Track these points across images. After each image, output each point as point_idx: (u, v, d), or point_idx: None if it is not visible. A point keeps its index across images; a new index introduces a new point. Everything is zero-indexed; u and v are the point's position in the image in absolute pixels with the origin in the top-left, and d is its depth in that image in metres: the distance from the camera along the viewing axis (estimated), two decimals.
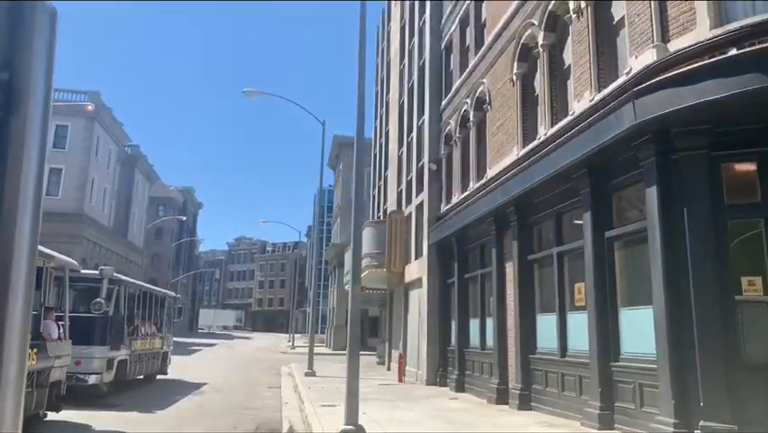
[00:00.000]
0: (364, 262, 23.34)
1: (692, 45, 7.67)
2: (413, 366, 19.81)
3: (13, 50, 0.94)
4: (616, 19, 9.88)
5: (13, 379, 0.89)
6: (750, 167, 7.72)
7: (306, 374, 21.31)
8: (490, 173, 14.42)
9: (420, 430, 9.80)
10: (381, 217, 28.13)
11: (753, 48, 7.01)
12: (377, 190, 31.00)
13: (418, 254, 20.45)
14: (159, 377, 19.18)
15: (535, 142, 11.95)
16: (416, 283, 20.43)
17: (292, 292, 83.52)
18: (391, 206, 25.40)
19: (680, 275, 7.71)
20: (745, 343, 7.39)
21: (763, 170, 7.58)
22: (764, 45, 6.96)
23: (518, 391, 12.05)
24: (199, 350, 39.85)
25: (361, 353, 34.31)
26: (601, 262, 9.51)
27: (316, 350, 42.98)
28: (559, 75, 11.73)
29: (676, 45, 8.02)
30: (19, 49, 0.95)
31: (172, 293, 22.62)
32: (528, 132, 12.82)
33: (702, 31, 7.71)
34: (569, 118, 10.60)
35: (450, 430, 9.78)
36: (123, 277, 15.32)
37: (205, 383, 18.72)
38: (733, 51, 7.21)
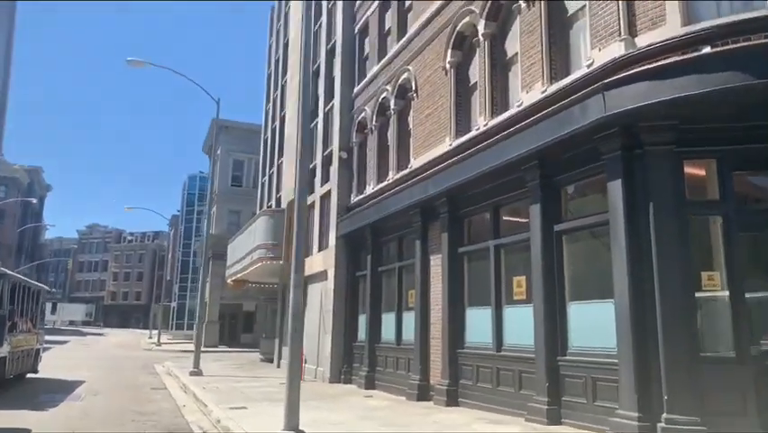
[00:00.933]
0: (257, 254, 22.06)
1: (664, 40, 7.70)
2: (312, 363, 18.91)
3: None
4: (570, 11, 9.83)
5: None
6: (711, 164, 7.91)
7: (192, 374, 19.60)
8: (416, 163, 13.99)
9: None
10: (274, 206, 26.81)
11: (728, 47, 7.14)
12: (267, 178, 29.53)
13: (323, 246, 19.57)
14: (29, 376, 17.03)
15: (473, 133, 11.67)
16: (319, 276, 19.54)
17: (152, 285, 78.00)
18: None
19: (643, 269, 7.72)
20: (704, 337, 7.55)
21: (722, 168, 7.79)
22: (739, 45, 7.12)
23: (445, 388, 11.71)
24: (50, 348, 35.54)
25: (234, 349, 32.55)
26: (549, 255, 9.39)
27: (184, 347, 40.46)
28: (500, 65, 11.54)
29: (644, 40, 8.03)
30: None
31: (46, 287, 19.98)
32: (462, 122, 12.53)
33: (672, 27, 7.76)
34: (515, 109, 10.40)
35: (392, 431, 9.15)
36: (8, 271, 13.56)
37: (80, 383, 16.58)
38: (707, 49, 7.30)
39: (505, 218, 11.11)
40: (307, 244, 21.24)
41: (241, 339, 47.39)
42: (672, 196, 7.70)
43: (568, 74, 9.62)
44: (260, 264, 22.18)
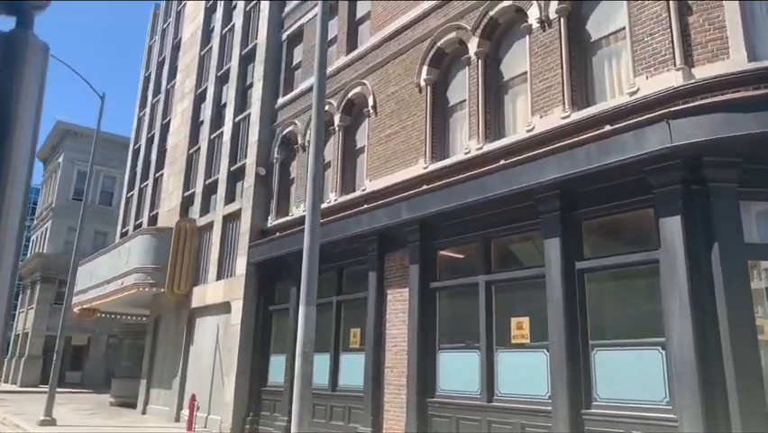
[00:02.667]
0: (133, 278, 18.88)
1: (733, 73, 7.34)
2: (203, 412, 16.07)
3: (3, 82, 1.02)
4: (594, 36, 9.31)
5: None
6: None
7: (44, 423, 15.73)
8: (372, 186, 12.56)
9: None
10: (146, 225, 23.33)
11: None
12: (136, 193, 25.80)
13: (223, 274, 17.04)
14: None
15: (461, 156, 10.62)
16: (215, 309, 16.93)
17: None
18: (171, 213, 21.12)
19: (704, 312, 7.10)
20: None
21: None
22: None
23: None
24: None
25: (64, 390, 27.25)
26: (570, 294, 8.49)
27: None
28: (495, 86, 10.71)
29: (703, 72, 7.64)
30: (9, 82, 1.03)
31: None
32: (439, 144, 11.44)
33: (737, 62, 7.45)
34: (524, 134, 9.57)
35: None
36: None
37: None
38: None
39: (499, 253, 10.09)
40: (197, 272, 18.55)
41: (66, 378, 40.63)
42: (735, 236, 7.23)
43: (588, 100, 9.04)
44: (134, 291, 18.80)
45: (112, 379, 25.12)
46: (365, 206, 12.41)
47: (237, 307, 15.62)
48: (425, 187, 10.94)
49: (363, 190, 12.75)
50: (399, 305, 11.33)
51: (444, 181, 10.51)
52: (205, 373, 16.88)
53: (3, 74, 1.00)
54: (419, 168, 11.43)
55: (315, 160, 8.73)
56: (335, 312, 13.07)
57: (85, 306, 24.65)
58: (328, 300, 13.37)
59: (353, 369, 12.21)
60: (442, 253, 11.02)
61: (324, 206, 13.69)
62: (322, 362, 13.25)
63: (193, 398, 15.35)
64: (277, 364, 14.75)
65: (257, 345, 15.21)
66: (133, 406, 22.77)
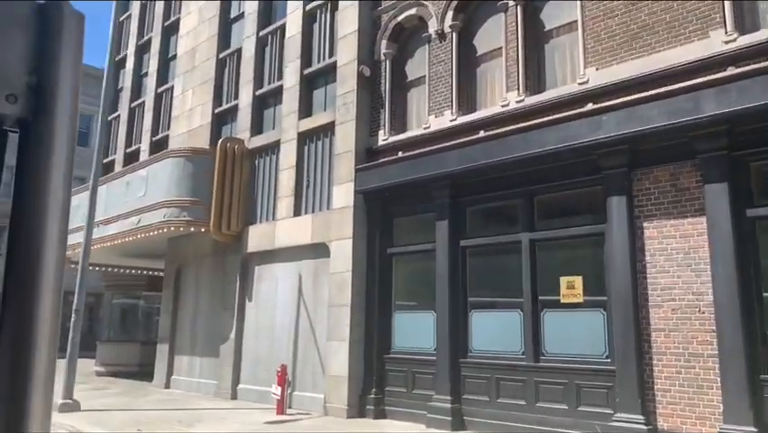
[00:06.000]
0: (158, 216, 14.48)
1: None
2: (302, 389, 12.12)
3: (41, 54, 0.95)
4: None
5: (42, 379, 0.88)
6: None
7: (64, 408, 11.36)
8: (598, 77, 8.93)
9: None
10: (145, 152, 18.43)
11: None
12: (127, 113, 20.50)
13: (308, 208, 12.95)
14: None
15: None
16: (291, 253, 12.93)
17: None
18: (193, 136, 16.45)
19: None
20: None
21: None
22: None
23: None
24: None
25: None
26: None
27: None
28: None
29: None
30: (47, 53, 0.96)
31: None
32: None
33: None
34: None
35: None
36: None
37: None
38: None
39: None
40: (250, 208, 14.38)
41: None
42: None
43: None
44: (161, 231, 14.24)
45: (97, 344, 20.22)
46: (590, 106, 8.82)
47: (341, 250, 11.64)
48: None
49: (583, 83, 9.09)
50: (676, 243, 7.94)
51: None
52: (280, 337, 12.85)
53: (40, 46, 0.93)
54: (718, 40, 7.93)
55: None
56: (529, 254, 9.48)
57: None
58: (513, 239, 9.76)
59: (574, 332, 8.80)
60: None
61: (494, 111, 10.04)
62: (500, 321, 9.73)
63: (284, 371, 11.39)
64: (406, 325, 11.06)
65: (373, 301, 11.39)
66: (127, 376, 18.33)
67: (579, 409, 8.46)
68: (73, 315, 11.87)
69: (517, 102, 9.83)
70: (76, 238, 17.40)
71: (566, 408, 8.60)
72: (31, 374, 0.88)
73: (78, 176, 29.79)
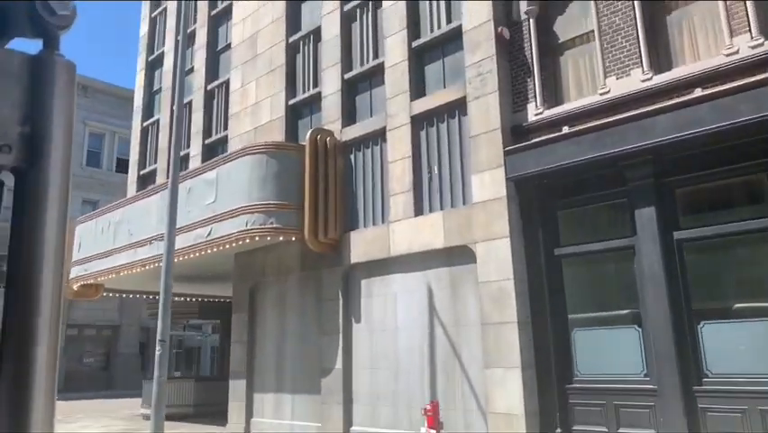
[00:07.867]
0: (237, 224, 12.16)
1: None
2: (452, 428, 9.66)
3: (34, 104, 0.98)
4: None
5: (45, 380, 0.91)
6: None
7: None
8: None
9: None
10: (195, 160, 16.08)
11: None
12: (169, 115, 18.12)
13: (433, 206, 10.59)
14: None
15: None
16: (413, 262, 10.55)
17: None
18: (261, 133, 14.11)
19: None
20: None
21: None
22: None
23: None
24: None
25: (71, 396, 18.47)
26: None
27: None
28: None
29: None
30: (40, 103, 0.98)
31: None
32: None
33: None
34: None
35: None
36: None
37: None
38: None
39: None
40: (349, 211, 12.09)
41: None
42: None
43: None
44: (243, 242, 11.82)
45: (143, 382, 17.62)
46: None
47: (493, 253, 9.26)
48: None
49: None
50: None
51: None
52: (408, 367, 10.42)
53: (33, 94, 0.98)
54: None
55: None
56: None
57: (90, 280, 17.03)
58: (754, 226, 7.44)
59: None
60: None
61: (711, 63, 7.83)
62: (761, 332, 7.38)
63: (435, 409, 8.94)
64: (592, 344, 8.68)
65: (542, 316, 9.01)
66: (181, 418, 15.76)
67: None
68: (158, 346, 9.35)
69: (753, 47, 7.58)
70: (126, 258, 15.03)
71: None
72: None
73: (90, 199, 27.33)
